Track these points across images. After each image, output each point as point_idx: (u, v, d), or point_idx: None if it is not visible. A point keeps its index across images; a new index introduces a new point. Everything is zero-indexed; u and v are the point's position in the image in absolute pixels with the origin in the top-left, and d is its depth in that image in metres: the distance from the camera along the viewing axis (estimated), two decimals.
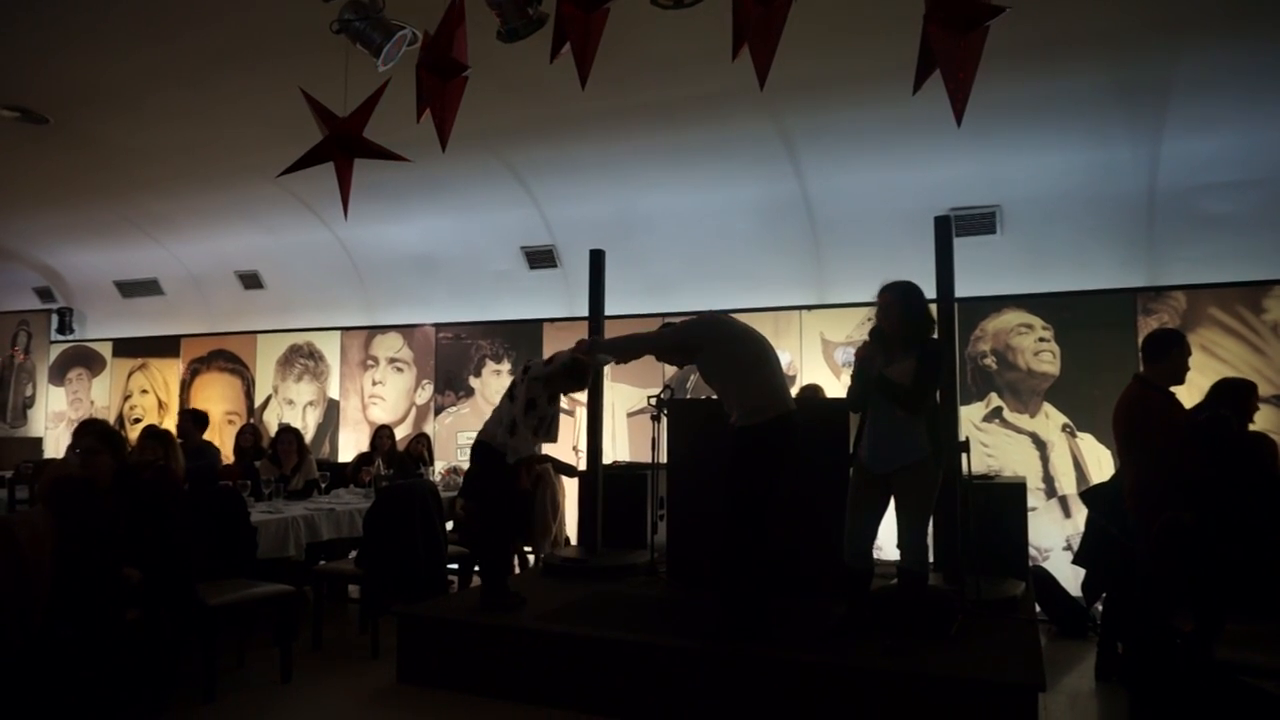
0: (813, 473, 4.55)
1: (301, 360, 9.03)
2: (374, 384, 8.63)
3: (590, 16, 3.33)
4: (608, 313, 5.77)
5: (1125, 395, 3.98)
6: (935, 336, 3.73)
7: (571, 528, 6.42)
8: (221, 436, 8.25)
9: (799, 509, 4.61)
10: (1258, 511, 3.56)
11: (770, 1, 3.11)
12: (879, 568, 4.51)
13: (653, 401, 5.03)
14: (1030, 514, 5.43)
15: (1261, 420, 4.48)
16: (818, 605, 4.25)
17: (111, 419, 9.85)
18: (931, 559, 5.32)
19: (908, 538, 3.66)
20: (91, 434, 4.18)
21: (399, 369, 8.52)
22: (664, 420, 5.05)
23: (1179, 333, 4.04)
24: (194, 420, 7.00)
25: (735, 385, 3.90)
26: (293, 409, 9.01)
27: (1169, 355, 3.93)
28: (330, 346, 8.90)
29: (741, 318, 6.93)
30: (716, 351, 3.96)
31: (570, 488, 6.36)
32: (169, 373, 9.78)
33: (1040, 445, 6.19)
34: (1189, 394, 4.05)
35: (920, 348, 3.64)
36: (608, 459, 6.31)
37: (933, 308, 4.95)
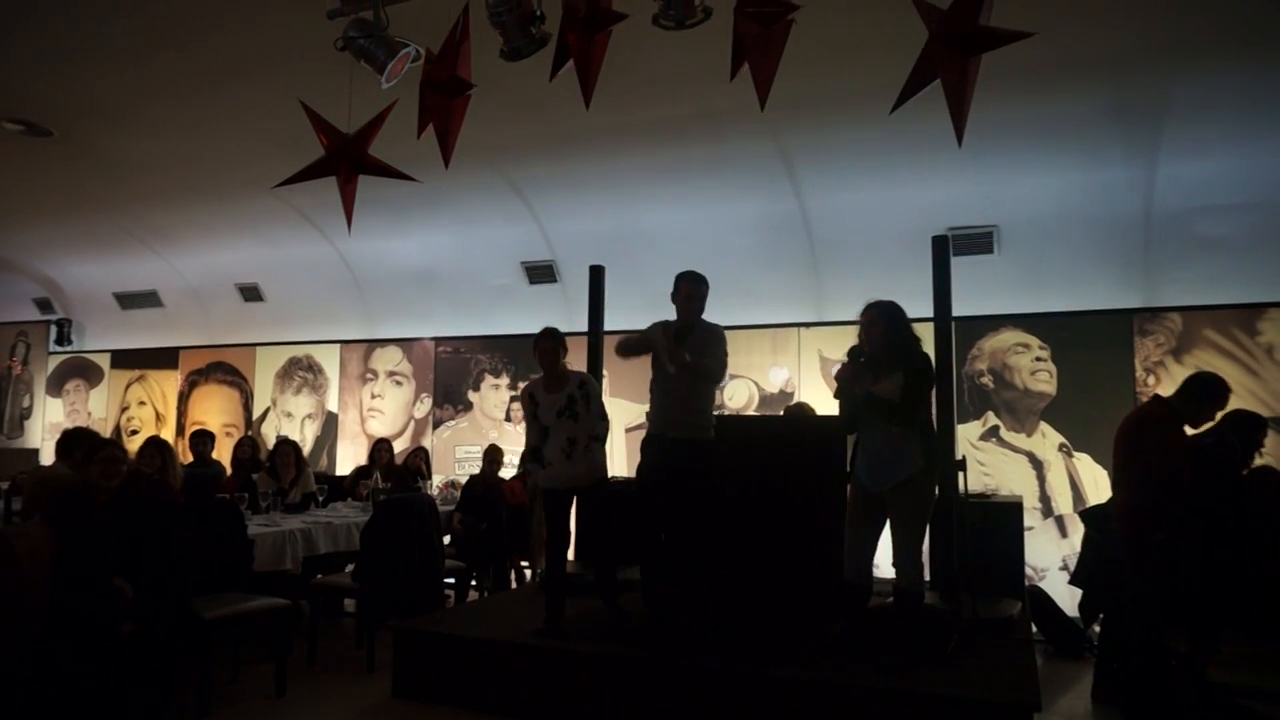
0: (811, 490, 4.57)
1: (300, 373, 9.04)
2: (373, 397, 8.63)
3: (593, 37, 3.36)
4: (607, 328, 5.78)
5: (1142, 413, 3.96)
6: (923, 352, 3.75)
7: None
8: (219, 449, 8.22)
9: (799, 526, 4.62)
10: (1253, 536, 3.58)
11: (770, 23, 3.16)
12: (876, 585, 4.52)
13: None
14: (1027, 533, 5.43)
15: None
16: (817, 623, 4.24)
17: (109, 431, 9.84)
18: (928, 577, 5.35)
19: (902, 556, 3.66)
20: (115, 445, 4.18)
21: (398, 382, 8.53)
22: None
23: (1228, 391, 3.93)
24: (204, 441, 7.15)
25: (712, 395, 4.16)
26: (291, 422, 9.01)
27: (1206, 404, 3.87)
28: (329, 359, 8.91)
29: (740, 334, 7.04)
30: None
31: None
32: (167, 385, 9.78)
33: (1037, 464, 6.21)
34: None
35: (906, 363, 3.66)
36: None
37: (928, 326, 5.01)
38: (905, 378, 3.61)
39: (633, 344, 4.17)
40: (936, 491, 3.76)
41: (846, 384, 3.74)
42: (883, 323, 3.69)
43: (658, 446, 4.05)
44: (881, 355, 3.70)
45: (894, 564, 3.72)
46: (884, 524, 3.77)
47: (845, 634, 3.83)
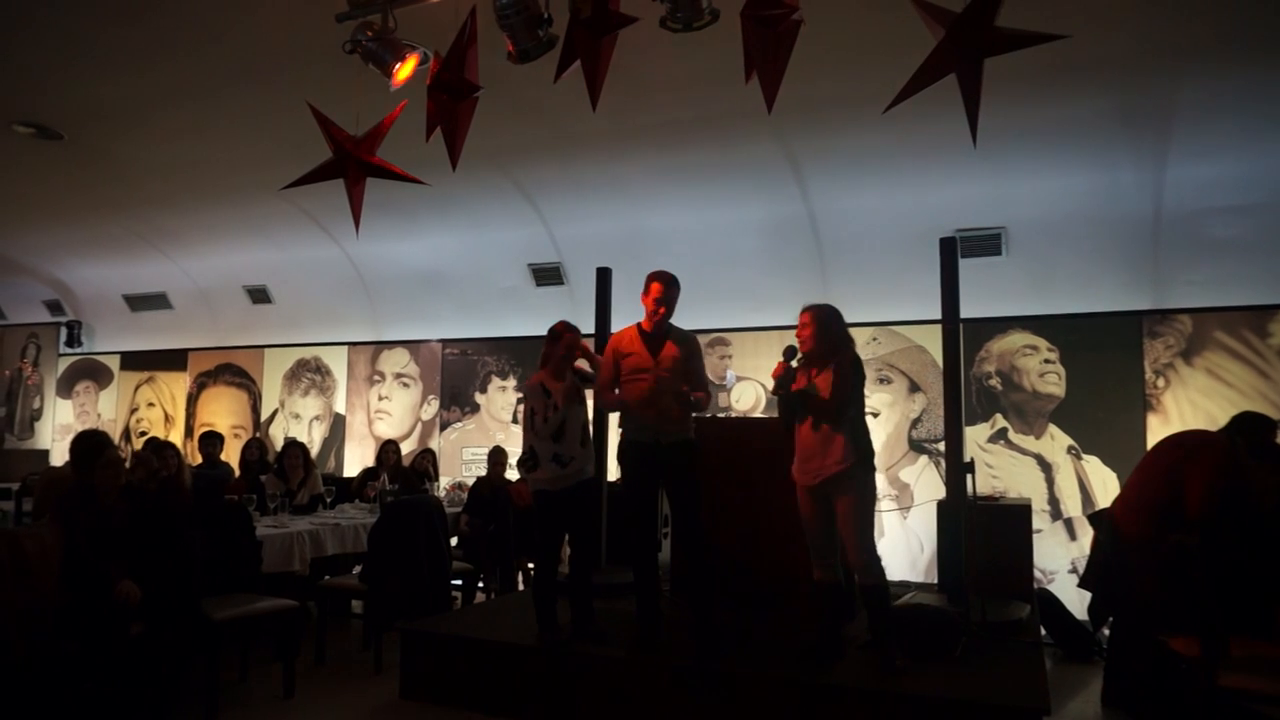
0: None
1: (308, 375, 9.07)
2: (380, 399, 8.65)
3: (600, 40, 3.37)
4: (614, 330, 5.78)
5: (1221, 445, 3.91)
6: (854, 352, 3.81)
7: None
8: (228, 450, 8.26)
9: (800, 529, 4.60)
10: (1263, 538, 3.56)
11: (775, 24, 3.15)
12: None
13: None
14: (1035, 536, 5.41)
15: None
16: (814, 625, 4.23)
17: (118, 432, 9.89)
18: (936, 580, 5.33)
19: (855, 554, 3.69)
20: (111, 446, 4.19)
21: (405, 384, 8.55)
22: None
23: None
24: (213, 443, 7.26)
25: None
26: (299, 423, 9.04)
27: (1257, 438, 3.95)
28: (337, 361, 8.93)
29: (748, 337, 7.04)
30: None
31: None
32: (176, 386, 9.83)
33: (1045, 467, 6.18)
34: (1204, 424, 4.04)
35: (836, 361, 3.71)
36: (611, 476, 6.31)
37: (936, 328, 4.99)
38: (833, 376, 3.67)
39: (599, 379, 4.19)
40: (875, 487, 3.81)
41: (780, 383, 3.79)
42: (813, 324, 3.77)
43: (648, 453, 4.00)
44: (814, 355, 3.77)
45: (851, 564, 3.74)
46: (832, 518, 3.80)
47: (823, 633, 3.83)
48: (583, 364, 4.36)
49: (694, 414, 4.14)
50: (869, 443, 3.76)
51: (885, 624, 3.72)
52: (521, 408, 7.79)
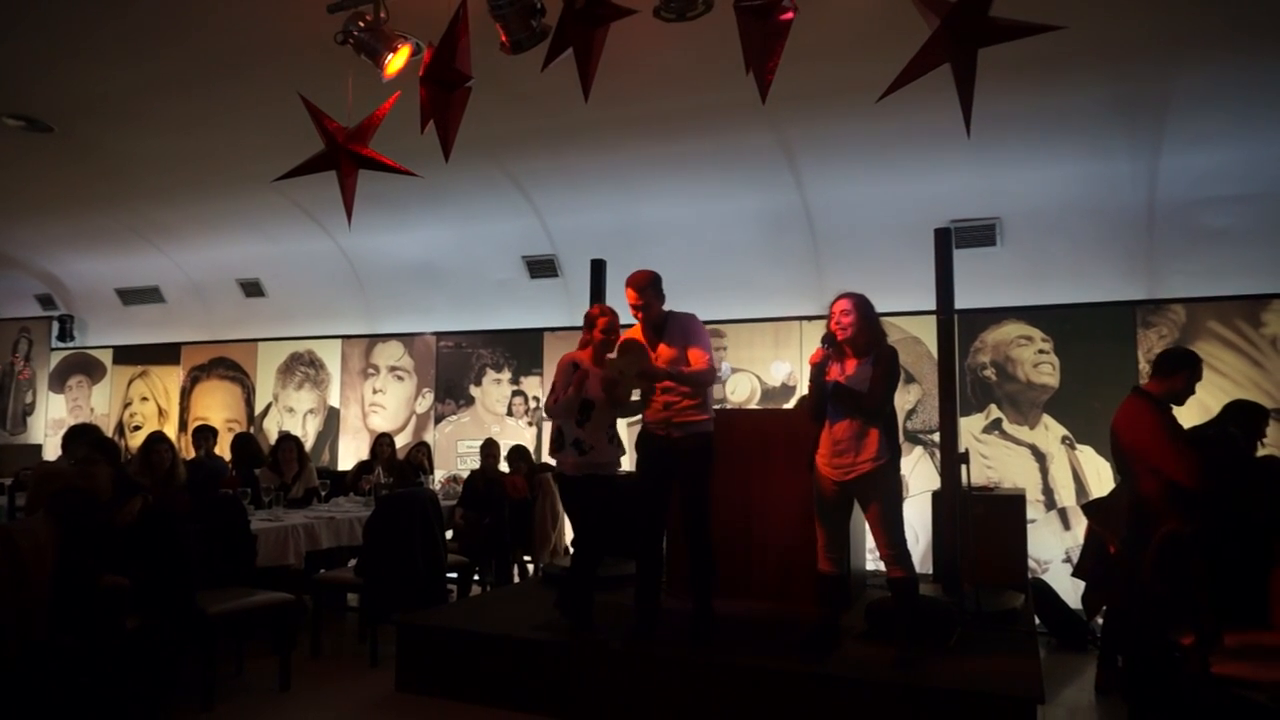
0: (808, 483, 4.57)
1: (302, 368, 9.05)
2: (374, 392, 8.64)
3: (592, 30, 3.35)
4: None
5: (1124, 409, 3.97)
6: (890, 344, 3.76)
7: (571, 537, 6.41)
8: (222, 444, 8.25)
9: (802, 518, 4.61)
10: (1258, 528, 3.58)
11: (767, 17, 3.14)
12: (875, 579, 4.51)
13: None
14: (1030, 526, 5.43)
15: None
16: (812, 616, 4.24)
17: (111, 426, 9.86)
18: (930, 570, 5.35)
19: (887, 548, 3.67)
20: (85, 443, 4.17)
21: (399, 377, 8.53)
22: None
23: (1194, 355, 3.95)
24: (207, 437, 7.24)
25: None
26: (293, 417, 9.02)
27: (1178, 374, 3.87)
28: (331, 355, 8.91)
29: (742, 328, 7.04)
30: None
31: None
32: (169, 380, 9.79)
33: (1040, 457, 6.20)
34: (1197, 413, 4.05)
35: (876, 353, 3.67)
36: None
37: (931, 319, 5.00)
38: (876, 369, 3.63)
39: (618, 385, 4.04)
40: (902, 480, 3.78)
41: (818, 371, 3.73)
42: (858, 312, 3.69)
43: (659, 445, 4.00)
44: (853, 345, 3.70)
45: (881, 558, 3.73)
46: (850, 512, 3.79)
47: (819, 624, 3.84)
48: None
49: (702, 400, 4.03)
50: (898, 437, 3.74)
51: (912, 618, 3.71)
52: (516, 400, 7.86)
